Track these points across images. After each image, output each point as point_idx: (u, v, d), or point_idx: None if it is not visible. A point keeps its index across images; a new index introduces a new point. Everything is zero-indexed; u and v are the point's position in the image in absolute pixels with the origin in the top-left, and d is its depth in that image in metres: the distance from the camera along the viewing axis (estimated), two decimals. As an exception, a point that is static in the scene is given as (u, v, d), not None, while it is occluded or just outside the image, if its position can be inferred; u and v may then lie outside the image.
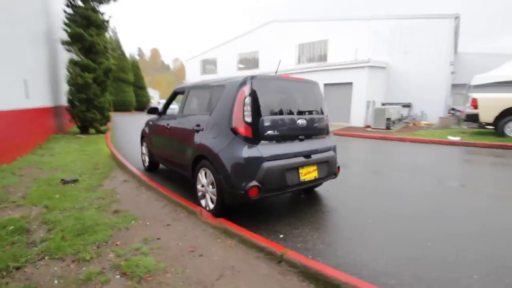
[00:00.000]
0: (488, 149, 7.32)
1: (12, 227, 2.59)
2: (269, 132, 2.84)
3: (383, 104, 15.27)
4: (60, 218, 2.83)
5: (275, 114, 2.91)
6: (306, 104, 3.25)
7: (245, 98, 2.78)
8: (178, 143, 3.72)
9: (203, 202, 3.19)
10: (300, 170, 2.96)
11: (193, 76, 28.40)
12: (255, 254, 2.24)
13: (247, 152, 2.71)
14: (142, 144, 5.37)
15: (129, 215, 2.97)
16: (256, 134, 2.77)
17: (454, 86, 17.75)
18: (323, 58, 18.80)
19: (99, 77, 8.92)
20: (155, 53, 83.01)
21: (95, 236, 2.47)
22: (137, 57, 38.41)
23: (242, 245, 2.37)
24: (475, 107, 8.40)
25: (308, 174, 3.03)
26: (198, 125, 3.25)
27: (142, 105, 35.37)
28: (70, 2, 8.81)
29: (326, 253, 2.34)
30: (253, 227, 2.81)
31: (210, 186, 3.02)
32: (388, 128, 11.77)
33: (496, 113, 8.01)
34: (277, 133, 2.90)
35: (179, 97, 4.42)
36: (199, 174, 3.19)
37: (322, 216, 3.14)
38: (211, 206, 3.02)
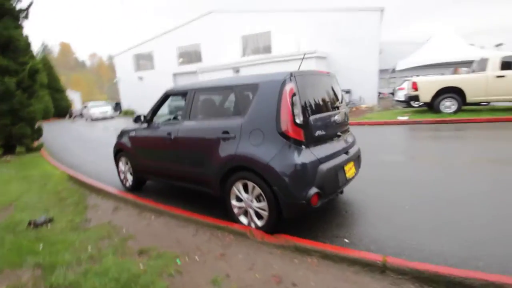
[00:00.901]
0: (432, 124, 8.51)
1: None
2: (318, 132, 2.62)
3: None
4: (74, 279, 2.09)
5: (318, 112, 2.70)
6: (335, 98, 3.11)
7: (292, 97, 2.47)
8: (192, 156, 3.17)
9: (243, 219, 2.80)
10: (345, 168, 2.84)
11: (126, 72, 25.49)
12: (350, 269, 2.04)
13: (303, 156, 2.44)
14: (119, 160, 4.48)
15: (165, 253, 2.39)
16: (307, 136, 2.52)
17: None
18: (267, 50, 18.99)
19: (23, 81, 7.08)
20: (65, 48, 71.03)
21: (146, 292, 1.90)
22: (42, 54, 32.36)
23: (328, 261, 2.14)
24: (416, 89, 9.64)
25: (350, 171, 2.93)
26: (226, 132, 2.79)
27: (62, 111, 30.30)
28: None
29: (405, 249, 2.28)
30: (310, 236, 2.59)
31: (255, 201, 2.65)
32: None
33: (432, 93, 9.34)
34: (324, 133, 2.70)
35: (168, 100, 3.78)
36: (234, 189, 2.77)
37: (359, 211, 3.08)
38: (260, 223, 2.66)
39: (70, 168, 6.01)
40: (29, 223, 3.11)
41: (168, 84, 23.19)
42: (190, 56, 22.14)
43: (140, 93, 24.32)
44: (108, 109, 23.48)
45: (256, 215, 2.69)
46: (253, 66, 16.62)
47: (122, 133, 4.37)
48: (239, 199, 2.80)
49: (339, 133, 2.98)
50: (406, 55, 16.40)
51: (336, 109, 3.00)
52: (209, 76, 17.74)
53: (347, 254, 2.11)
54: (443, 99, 9.19)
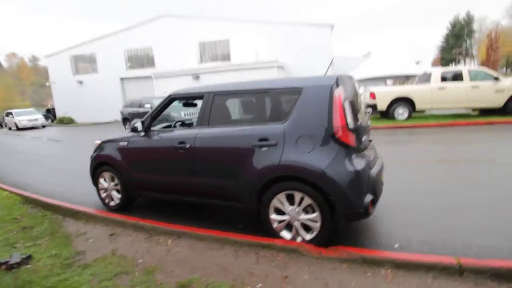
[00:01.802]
0: (388, 130, 9.41)
1: None
2: (364, 137, 2.57)
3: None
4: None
5: (359, 117, 2.64)
6: (361, 101, 3.10)
7: (343, 102, 2.37)
8: (216, 167, 2.79)
9: (285, 234, 2.55)
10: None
11: (62, 76, 22.37)
12: (429, 275, 1.98)
13: (358, 162, 2.35)
14: (99, 177, 3.74)
15: (217, 285, 1.99)
16: (357, 141, 2.44)
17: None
18: (226, 57, 18.85)
19: None
20: (-28, 45, 59.46)
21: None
22: None
23: (403, 270, 2.04)
24: (374, 98, 10.60)
25: (382, 175, 2.95)
26: (263, 139, 2.53)
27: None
28: None
29: (467, 248, 2.32)
30: (358, 246, 2.49)
31: (302, 212, 2.44)
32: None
33: (388, 102, 10.38)
34: (365, 137, 2.66)
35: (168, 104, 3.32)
36: (275, 201, 2.51)
37: (390, 211, 3.11)
38: (308, 236, 2.45)
39: (17, 188, 4.83)
40: (2, 265, 2.31)
41: (114, 89, 21.12)
42: (141, 59, 20.64)
43: (80, 98, 21.67)
44: (38, 117, 20.21)
45: (305, 228, 2.48)
46: (212, 73, 16.27)
47: (105, 144, 3.68)
48: (280, 212, 2.55)
49: (371, 138, 2.98)
50: (352, 68, 18.05)
51: (366, 113, 3.00)
52: (165, 82, 16.72)
53: (421, 261, 2.05)
54: (397, 107, 10.29)
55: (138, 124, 3.23)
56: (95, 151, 3.80)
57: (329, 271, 2.11)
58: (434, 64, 48.56)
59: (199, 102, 4.16)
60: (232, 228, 2.92)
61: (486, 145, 6.32)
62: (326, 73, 3.37)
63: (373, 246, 2.49)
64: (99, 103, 20.93)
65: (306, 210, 2.44)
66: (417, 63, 26.37)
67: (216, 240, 2.61)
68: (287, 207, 2.48)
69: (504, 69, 36.11)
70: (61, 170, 6.36)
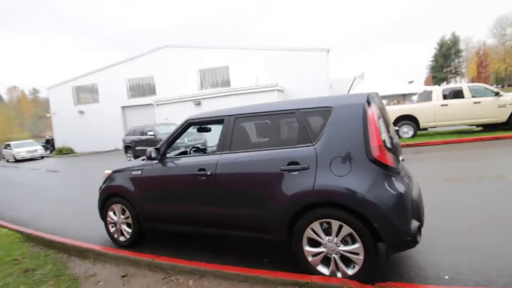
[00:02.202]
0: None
1: None
2: (401, 157, 2.40)
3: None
4: None
5: (392, 135, 2.49)
6: (389, 119, 2.96)
7: (377, 120, 2.23)
8: (241, 195, 2.57)
9: (322, 269, 2.28)
10: None
11: (63, 106, 22.51)
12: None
13: (400, 185, 2.16)
14: (108, 210, 3.50)
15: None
16: (397, 161, 2.27)
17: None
18: (226, 83, 19.17)
19: None
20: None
21: None
22: None
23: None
24: (377, 117, 10.65)
25: None
26: (293, 163, 2.35)
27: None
28: None
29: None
30: (409, 278, 2.23)
31: (341, 244, 2.20)
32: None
33: (392, 120, 10.42)
34: (401, 158, 2.49)
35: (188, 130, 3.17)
36: (309, 231, 2.28)
37: (436, 236, 2.86)
38: (350, 271, 2.18)
39: (16, 224, 4.52)
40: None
41: (115, 118, 21.17)
42: (142, 88, 20.93)
43: (80, 128, 21.62)
44: (37, 148, 20.01)
45: (344, 261, 2.22)
46: (213, 98, 16.41)
47: (116, 173, 3.48)
48: (315, 244, 2.30)
49: (402, 157, 2.81)
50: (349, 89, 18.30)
51: (395, 131, 2.86)
52: (166, 109, 16.80)
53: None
54: (402, 125, 10.26)
55: (154, 152, 3.05)
56: (104, 181, 3.59)
57: (383, 312, 1.84)
58: (427, 83, 49.94)
59: (214, 127, 4.02)
60: (257, 263, 2.65)
61: (497, 160, 6.18)
62: (349, 92, 3.28)
63: (421, 280, 2.23)
64: (99, 132, 20.90)
65: (345, 241, 2.20)
66: (410, 82, 27.15)
67: (244, 279, 2.32)
68: (324, 238, 2.25)
69: (495, 85, 37.23)
70: (61, 202, 6.06)
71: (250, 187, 2.54)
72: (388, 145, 2.21)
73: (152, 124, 13.09)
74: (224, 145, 2.76)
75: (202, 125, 3.24)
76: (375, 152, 2.15)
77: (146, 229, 3.29)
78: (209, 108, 15.90)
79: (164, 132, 11.37)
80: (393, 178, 2.16)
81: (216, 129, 4.12)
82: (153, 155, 3.05)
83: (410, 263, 2.47)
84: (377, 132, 2.18)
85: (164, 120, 16.31)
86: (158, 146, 3.14)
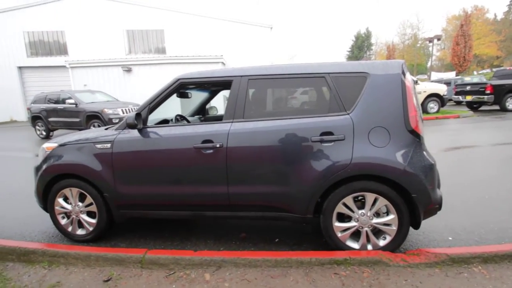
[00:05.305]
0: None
1: None
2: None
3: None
4: None
5: None
6: None
7: (412, 90, 2.16)
8: (263, 171, 2.20)
9: (351, 243, 2.19)
10: None
11: None
12: (518, 268, 1.94)
13: (430, 155, 2.20)
14: (56, 196, 2.60)
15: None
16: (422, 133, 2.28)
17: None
18: (161, 50, 17.07)
19: None
20: None
21: None
22: None
23: (491, 264, 1.95)
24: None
25: None
26: (327, 133, 2.10)
27: None
28: None
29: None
30: (422, 242, 2.36)
31: (373, 216, 2.13)
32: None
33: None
34: None
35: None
36: (341, 206, 2.13)
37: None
38: (382, 242, 2.15)
39: None
40: None
41: (10, 81, 16.51)
42: (49, 46, 16.79)
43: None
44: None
45: (376, 235, 2.17)
46: (146, 65, 14.44)
47: (68, 148, 2.58)
48: (344, 219, 2.18)
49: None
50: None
51: None
52: (85, 73, 13.97)
53: (507, 250, 2.01)
54: (429, 102, 11.23)
55: (135, 118, 2.32)
56: (46, 160, 2.64)
57: (427, 279, 1.86)
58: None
59: (196, 93, 3.42)
60: (268, 244, 2.42)
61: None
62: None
63: (432, 242, 2.39)
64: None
65: (377, 213, 2.15)
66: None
67: (274, 264, 2.04)
68: (356, 212, 2.14)
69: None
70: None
71: (273, 161, 2.19)
72: (420, 115, 2.19)
73: (71, 90, 10.70)
74: (234, 113, 2.29)
75: (198, 86, 2.64)
76: (413, 123, 2.09)
77: (120, 218, 2.58)
78: (141, 75, 13.92)
79: (90, 101, 9.43)
80: (424, 150, 2.17)
81: (195, 97, 3.50)
82: (135, 122, 2.33)
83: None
84: (412, 102, 2.12)
85: (82, 87, 13.58)
86: (137, 111, 2.42)
